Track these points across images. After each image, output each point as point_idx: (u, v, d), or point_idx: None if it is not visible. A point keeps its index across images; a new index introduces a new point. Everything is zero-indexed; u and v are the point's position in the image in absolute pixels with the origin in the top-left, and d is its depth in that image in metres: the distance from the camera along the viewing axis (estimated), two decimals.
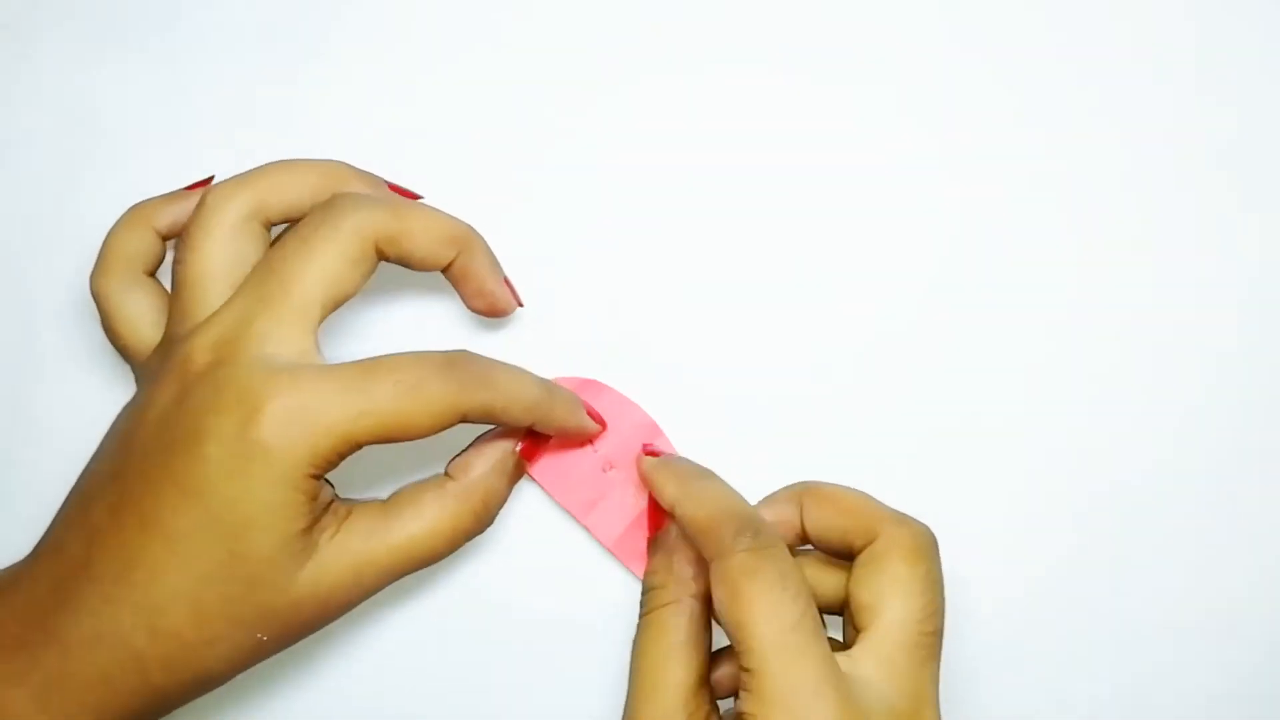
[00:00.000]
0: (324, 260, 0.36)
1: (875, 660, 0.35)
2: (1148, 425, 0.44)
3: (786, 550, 0.35)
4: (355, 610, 0.38)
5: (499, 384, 0.37)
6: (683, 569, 0.37)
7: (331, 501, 0.37)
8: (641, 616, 0.37)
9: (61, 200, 0.44)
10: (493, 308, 0.41)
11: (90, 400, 0.42)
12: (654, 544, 0.39)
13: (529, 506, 0.42)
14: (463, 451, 0.40)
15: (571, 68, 0.44)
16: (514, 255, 0.41)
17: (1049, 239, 0.44)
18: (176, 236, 0.39)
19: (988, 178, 0.44)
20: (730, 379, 0.43)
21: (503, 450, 0.39)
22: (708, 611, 0.37)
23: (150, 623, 0.34)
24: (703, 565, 0.36)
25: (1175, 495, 0.44)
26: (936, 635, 0.36)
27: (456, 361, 0.36)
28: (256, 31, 0.44)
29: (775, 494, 0.39)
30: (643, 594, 0.38)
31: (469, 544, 0.39)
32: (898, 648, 0.35)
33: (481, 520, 0.39)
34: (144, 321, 0.38)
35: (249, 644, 0.35)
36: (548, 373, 0.40)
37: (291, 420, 0.34)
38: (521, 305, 0.41)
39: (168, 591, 0.34)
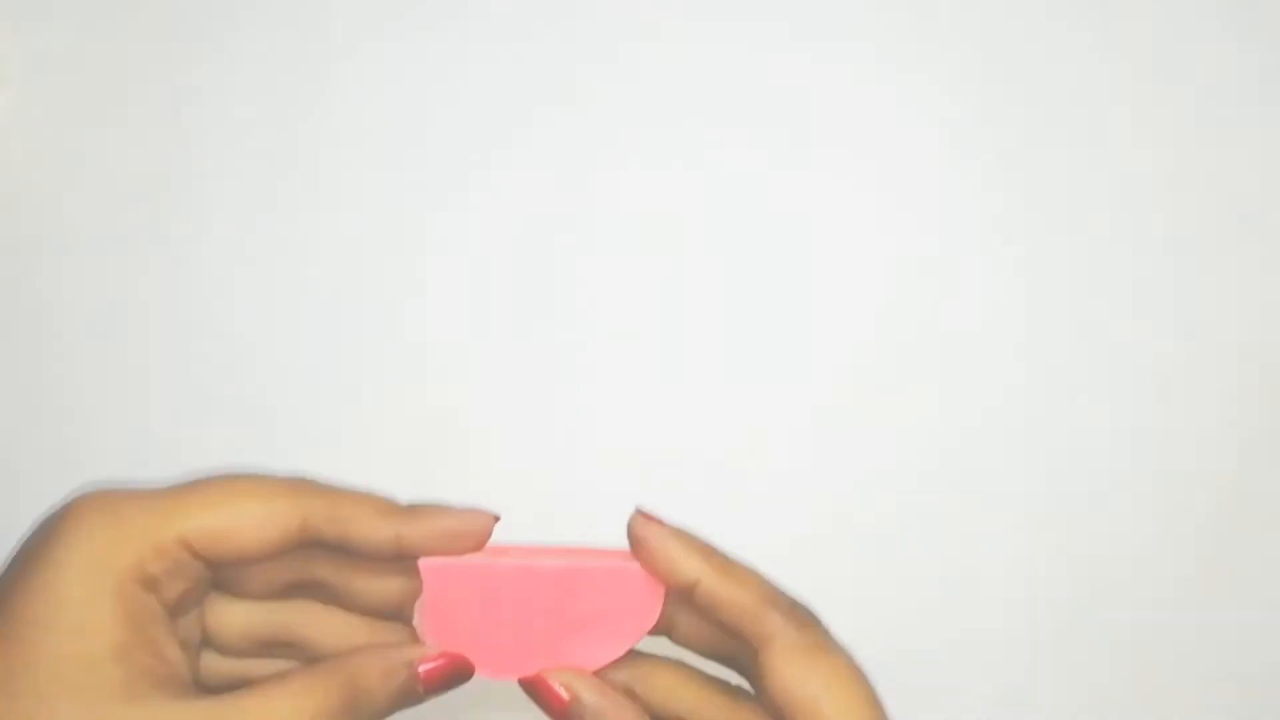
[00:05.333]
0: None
1: None
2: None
3: None
4: None
5: (343, 492, 0.34)
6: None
7: (176, 658, 0.33)
8: None
9: (62, 205, 0.45)
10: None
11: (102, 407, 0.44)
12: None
13: None
14: None
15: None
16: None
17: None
18: None
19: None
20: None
21: (398, 655, 0.35)
22: None
23: None
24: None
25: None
26: None
27: (294, 477, 0.34)
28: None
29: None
30: None
31: None
32: None
33: (347, 706, 0.34)
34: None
35: None
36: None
37: (95, 525, 0.33)
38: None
39: None
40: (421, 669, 0.35)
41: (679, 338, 0.46)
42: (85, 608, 0.32)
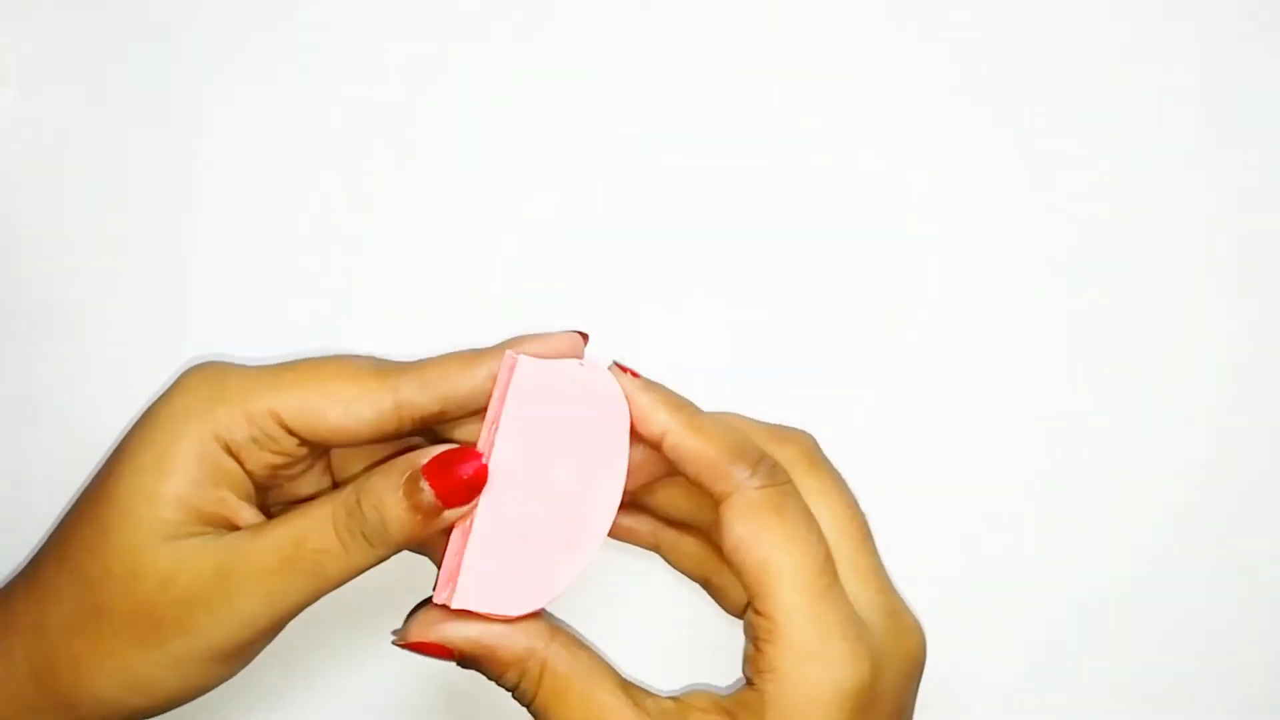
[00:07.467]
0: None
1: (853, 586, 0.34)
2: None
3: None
4: None
5: (422, 362, 0.34)
6: (529, 636, 0.33)
7: (248, 520, 0.34)
8: (535, 700, 0.33)
9: (62, 205, 0.45)
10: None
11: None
12: (485, 640, 0.33)
13: None
14: None
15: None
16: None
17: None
18: None
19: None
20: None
21: (404, 463, 0.33)
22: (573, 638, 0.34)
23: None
24: (539, 622, 0.33)
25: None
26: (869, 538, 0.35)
27: (382, 360, 0.35)
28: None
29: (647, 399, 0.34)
30: (515, 685, 0.33)
31: None
32: (856, 569, 0.34)
33: (358, 524, 0.33)
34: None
35: (86, 609, 0.33)
36: None
37: (194, 385, 0.34)
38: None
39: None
40: (424, 465, 0.33)
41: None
42: (165, 453, 0.33)
